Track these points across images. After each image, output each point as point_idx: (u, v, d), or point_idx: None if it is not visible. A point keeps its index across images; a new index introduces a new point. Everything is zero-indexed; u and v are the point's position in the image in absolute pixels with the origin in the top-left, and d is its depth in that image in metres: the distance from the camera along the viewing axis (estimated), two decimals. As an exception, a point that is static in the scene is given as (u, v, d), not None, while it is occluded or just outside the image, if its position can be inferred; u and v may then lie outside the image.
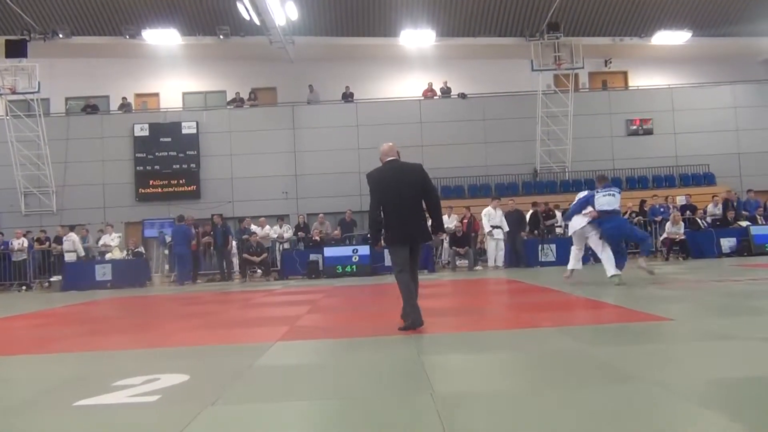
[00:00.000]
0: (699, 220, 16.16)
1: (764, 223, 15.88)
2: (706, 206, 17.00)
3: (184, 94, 23.98)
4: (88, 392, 3.31)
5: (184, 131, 21.57)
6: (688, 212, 16.52)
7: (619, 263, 8.67)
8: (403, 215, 5.43)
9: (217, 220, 16.38)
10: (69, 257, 15.95)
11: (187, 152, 21.53)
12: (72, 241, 16.17)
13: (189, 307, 9.01)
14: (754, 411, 2.49)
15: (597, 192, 9.03)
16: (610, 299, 6.78)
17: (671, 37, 22.67)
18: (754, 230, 15.16)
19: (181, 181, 21.52)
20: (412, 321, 5.11)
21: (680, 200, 17.70)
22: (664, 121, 22.58)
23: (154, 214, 20.96)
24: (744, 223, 15.68)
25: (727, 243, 14.72)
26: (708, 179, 21.29)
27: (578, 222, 9.17)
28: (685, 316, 5.31)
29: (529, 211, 16.20)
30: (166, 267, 17.55)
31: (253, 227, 16.88)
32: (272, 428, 2.62)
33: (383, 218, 5.48)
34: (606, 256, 8.66)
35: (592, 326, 5.03)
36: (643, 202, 17.51)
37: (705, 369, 3.36)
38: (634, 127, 22.54)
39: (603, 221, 8.77)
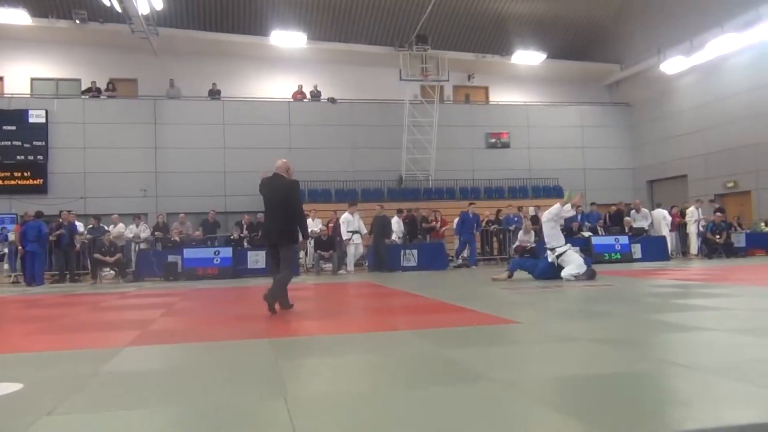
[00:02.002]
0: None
1: (604, 234, 17.33)
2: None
3: (32, 79, 22.16)
4: None
5: (31, 120, 19.96)
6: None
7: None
8: (269, 221, 6.92)
9: (67, 217, 15.25)
10: None
11: (34, 143, 19.93)
12: None
13: (30, 311, 8.32)
14: (588, 407, 2.71)
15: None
16: (464, 303, 7.09)
17: (528, 57, 24.22)
18: (595, 240, 16.49)
19: (25, 174, 19.88)
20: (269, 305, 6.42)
21: (531, 211, 18.88)
22: (520, 135, 24.08)
23: (-7, 208, 19.17)
24: (586, 234, 17.03)
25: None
26: (557, 192, 22.89)
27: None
28: (531, 319, 5.65)
29: (393, 216, 16.64)
30: (5, 266, 16.05)
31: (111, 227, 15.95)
32: (114, 438, 2.49)
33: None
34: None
35: (445, 329, 5.23)
36: (498, 211, 18.50)
37: (547, 368, 3.60)
38: (493, 140, 23.83)
39: None
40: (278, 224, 6.66)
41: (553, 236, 10.41)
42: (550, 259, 10.29)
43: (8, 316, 7.91)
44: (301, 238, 6.85)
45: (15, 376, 3.61)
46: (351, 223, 15.42)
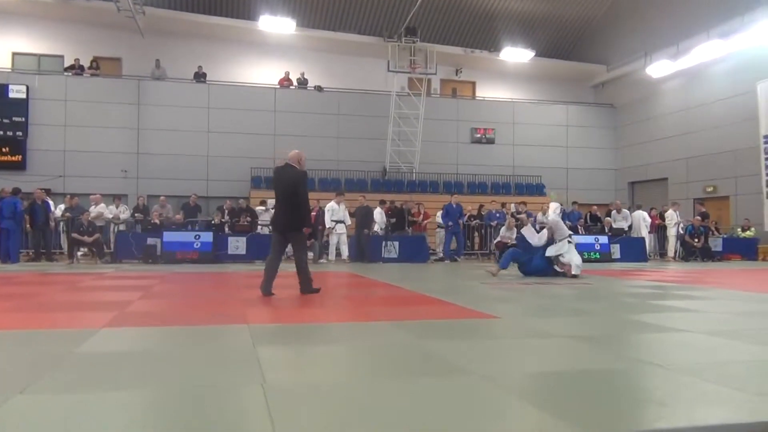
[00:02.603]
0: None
1: (583, 233, 17.47)
2: (537, 214, 18.35)
3: (13, 54, 21.76)
4: None
5: (11, 95, 19.62)
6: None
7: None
8: (278, 209, 7.17)
9: (39, 194, 14.98)
10: None
11: (14, 118, 19.60)
12: None
13: (3, 288, 8.19)
14: (563, 402, 2.73)
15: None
16: (445, 296, 7.12)
17: (516, 54, 24.26)
18: (575, 239, 16.59)
19: (3, 150, 19.56)
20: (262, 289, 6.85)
21: (513, 208, 18.95)
22: (505, 132, 24.16)
23: (-32, 183, 18.80)
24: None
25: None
26: (539, 189, 23.06)
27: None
28: (510, 315, 5.69)
29: (377, 208, 16.62)
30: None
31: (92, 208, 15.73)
32: (86, 419, 2.45)
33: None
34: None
35: (425, 321, 5.24)
36: (481, 206, 18.56)
37: (524, 363, 3.63)
38: (478, 136, 23.88)
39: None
40: (286, 213, 6.95)
41: (562, 229, 10.57)
42: (549, 253, 10.28)
43: (-18, 293, 7.79)
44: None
45: (-13, 353, 3.56)
46: (336, 212, 15.38)
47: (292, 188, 6.89)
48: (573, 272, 10.00)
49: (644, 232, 17.81)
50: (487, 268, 11.08)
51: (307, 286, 7.01)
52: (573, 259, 10.22)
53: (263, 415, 2.45)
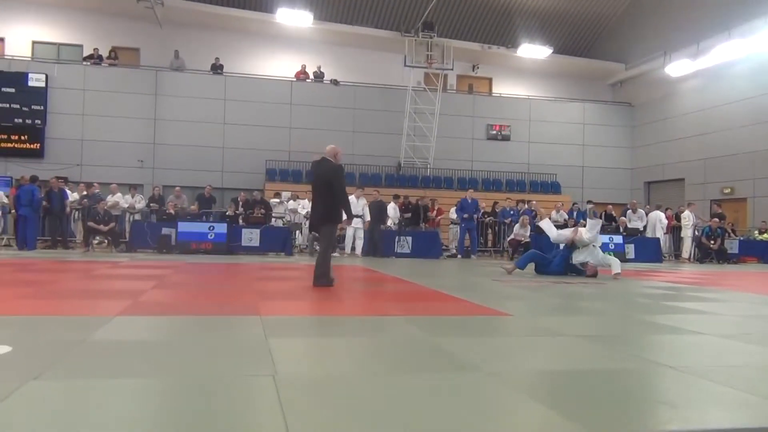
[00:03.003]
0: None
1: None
2: (551, 213, 18.28)
3: (34, 42, 21.97)
4: None
5: (30, 83, 19.80)
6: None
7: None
8: (314, 202, 7.41)
9: (54, 183, 15.14)
10: None
11: (33, 107, 19.79)
12: None
13: (20, 274, 8.30)
14: (572, 401, 2.72)
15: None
16: (457, 292, 7.11)
17: (534, 51, 24.10)
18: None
19: (23, 137, 19.74)
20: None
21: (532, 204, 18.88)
22: (521, 129, 24.04)
23: (-13, 170, 19.07)
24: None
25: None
26: (554, 188, 22.94)
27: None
28: (522, 312, 5.67)
29: (390, 203, 16.62)
30: (-1, 229, 15.98)
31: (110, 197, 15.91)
32: (99, 405, 2.48)
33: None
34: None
35: (436, 317, 5.24)
36: (495, 203, 18.50)
37: (534, 362, 3.62)
38: (494, 132, 23.78)
39: None
40: (320, 206, 7.21)
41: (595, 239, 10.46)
42: (577, 259, 10.15)
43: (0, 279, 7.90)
44: (345, 217, 7.35)
45: (3, 338, 3.61)
46: (354, 206, 15.35)
47: (327, 182, 7.10)
48: (616, 271, 9.94)
49: (660, 233, 17.67)
50: (503, 265, 11.06)
51: (320, 278, 7.09)
52: (607, 259, 10.27)
53: (275, 406, 2.47)
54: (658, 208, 18.84)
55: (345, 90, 22.69)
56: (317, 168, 7.34)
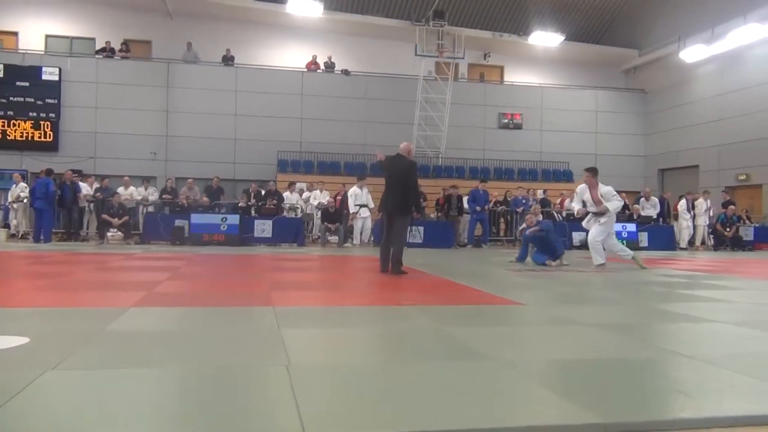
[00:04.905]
0: (555, 214, 17.28)
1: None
2: (564, 201, 18.19)
3: (47, 36, 22.08)
4: None
5: (44, 77, 19.93)
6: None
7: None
8: (388, 194, 7.90)
9: (68, 176, 15.27)
10: None
11: (47, 100, 19.91)
12: None
13: (36, 267, 8.40)
14: (585, 389, 2.73)
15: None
16: (469, 282, 7.11)
17: (546, 39, 23.86)
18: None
19: (37, 131, 19.87)
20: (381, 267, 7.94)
21: (539, 194, 18.80)
22: (533, 117, 23.89)
23: (3, 164, 19.23)
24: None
25: (577, 236, 15.73)
26: (567, 176, 22.79)
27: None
28: (535, 302, 5.67)
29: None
30: (13, 222, 16.15)
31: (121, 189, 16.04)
32: (116, 395, 2.52)
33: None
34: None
35: (449, 307, 5.25)
36: (507, 192, 18.42)
37: (547, 350, 3.62)
38: (506, 121, 23.65)
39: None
40: (395, 198, 7.80)
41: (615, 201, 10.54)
42: (596, 236, 10.00)
43: (15, 271, 8.00)
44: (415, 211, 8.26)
45: (22, 329, 3.66)
46: (359, 196, 15.40)
47: (404, 177, 7.77)
48: (599, 262, 9.83)
49: (702, 221, 17.66)
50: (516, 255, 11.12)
51: (397, 267, 7.72)
52: (618, 246, 10.23)
53: (288, 395, 2.49)
54: (681, 197, 18.49)
55: (356, 80, 22.64)
56: (393, 162, 7.96)
